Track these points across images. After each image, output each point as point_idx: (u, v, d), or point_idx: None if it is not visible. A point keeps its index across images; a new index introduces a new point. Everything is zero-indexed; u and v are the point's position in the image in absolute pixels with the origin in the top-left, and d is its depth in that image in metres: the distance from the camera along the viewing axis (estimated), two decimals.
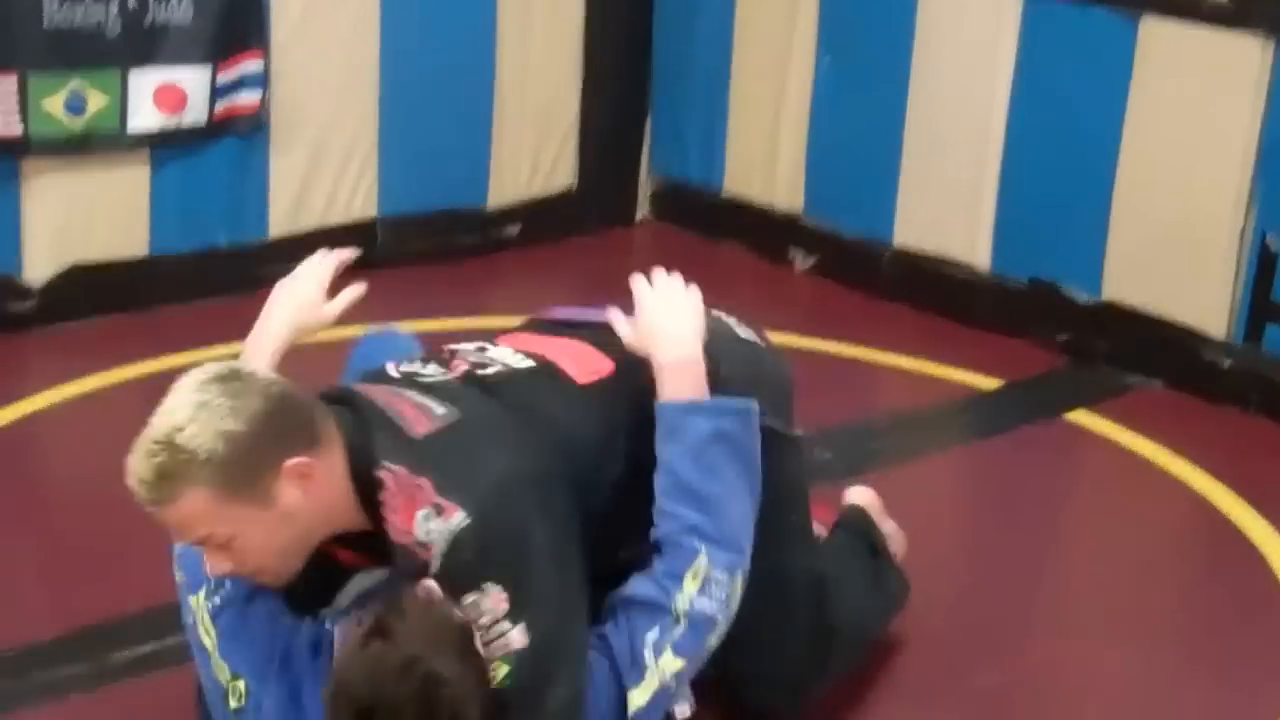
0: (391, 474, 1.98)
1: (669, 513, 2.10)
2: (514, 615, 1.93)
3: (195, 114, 4.11)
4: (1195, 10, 3.80)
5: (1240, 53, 3.75)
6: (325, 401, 2.07)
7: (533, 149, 4.81)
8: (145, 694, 2.55)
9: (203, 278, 4.23)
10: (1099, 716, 2.68)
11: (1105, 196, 4.06)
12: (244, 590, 2.11)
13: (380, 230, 4.55)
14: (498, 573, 1.94)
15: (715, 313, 2.40)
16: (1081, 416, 3.83)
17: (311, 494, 1.96)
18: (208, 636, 2.13)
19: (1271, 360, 3.82)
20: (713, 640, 2.09)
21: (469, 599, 1.94)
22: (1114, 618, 2.98)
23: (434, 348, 2.34)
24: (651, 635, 2.03)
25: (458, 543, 1.94)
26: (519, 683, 1.93)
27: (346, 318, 2.39)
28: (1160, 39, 3.90)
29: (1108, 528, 3.36)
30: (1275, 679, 2.80)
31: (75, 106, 3.93)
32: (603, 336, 2.25)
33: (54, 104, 3.89)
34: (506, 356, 2.21)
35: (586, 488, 2.08)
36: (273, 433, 1.93)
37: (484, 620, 1.93)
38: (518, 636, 1.93)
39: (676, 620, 2.04)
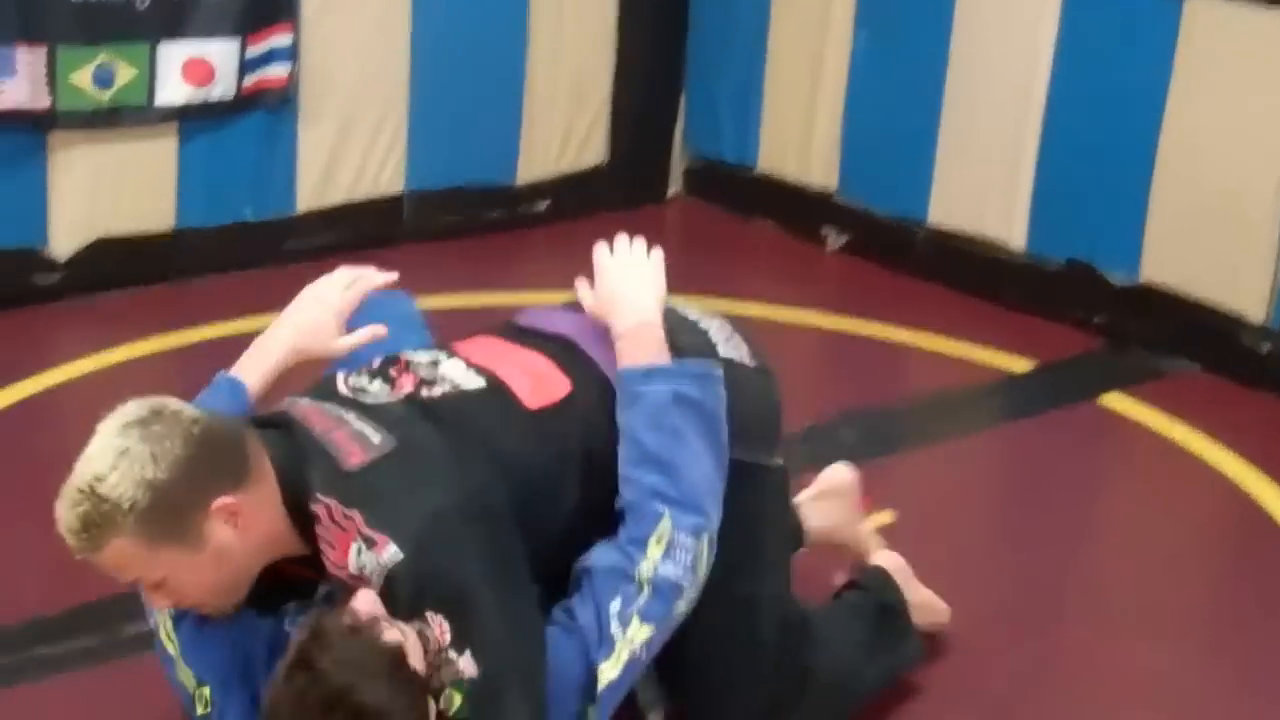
0: (325, 506, 1.96)
1: (631, 479, 2.06)
2: (458, 645, 1.90)
3: (223, 87, 4.10)
4: None
5: None
6: (262, 426, 2.04)
7: (564, 124, 4.77)
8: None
9: (229, 251, 4.23)
10: (1122, 706, 2.64)
11: (1145, 177, 3.99)
12: None
13: (407, 205, 4.53)
14: (436, 606, 1.90)
15: (704, 324, 2.33)
16: (1115, 400, 3.76)
17: (244, 531, 1.94)
18: (170, 644, 2.13)
19: None
20: (681, 606, 2.04)
21: (414, 626, 1.90)
22: (1142, 606, 2.93)
23: (386, 362, 2.20)
24: (615, 605, 1.99)
25: (393, 577, 1.91)
26: (475, 711, 1.90)
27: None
28: (1204, 17, 3.82)
29: (1138, 514, 3.31)
30: None
31: (103, 79, 3.93)
32: (567, 352, 2.20)
33: (82, 77, 3.88)
34: (458, 373, 2.14)
35: (538, 515, 2.04)
36: (196, 476, 1.90)
37: (430, 647, 1.90)
38: (467, 665, 1.90)
39: (641, 588, 2.00)
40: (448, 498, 1.95)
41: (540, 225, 4.72)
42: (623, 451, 2.08)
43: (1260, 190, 3.77)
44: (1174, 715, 2.62)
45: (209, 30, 4.03)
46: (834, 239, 4.70)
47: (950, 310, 4.23)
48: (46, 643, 2.63)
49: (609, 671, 1.98)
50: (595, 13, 4.75)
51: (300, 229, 4.34)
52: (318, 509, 1.95)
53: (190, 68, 4.04)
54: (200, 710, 2.10)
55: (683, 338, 2.24)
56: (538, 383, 2.14)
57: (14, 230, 3.94)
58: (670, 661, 2.18)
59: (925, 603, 2.66)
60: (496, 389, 2.12)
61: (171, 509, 1.89)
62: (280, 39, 4.16)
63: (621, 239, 2.30)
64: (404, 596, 1.90)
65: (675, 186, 5.07)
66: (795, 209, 4.76)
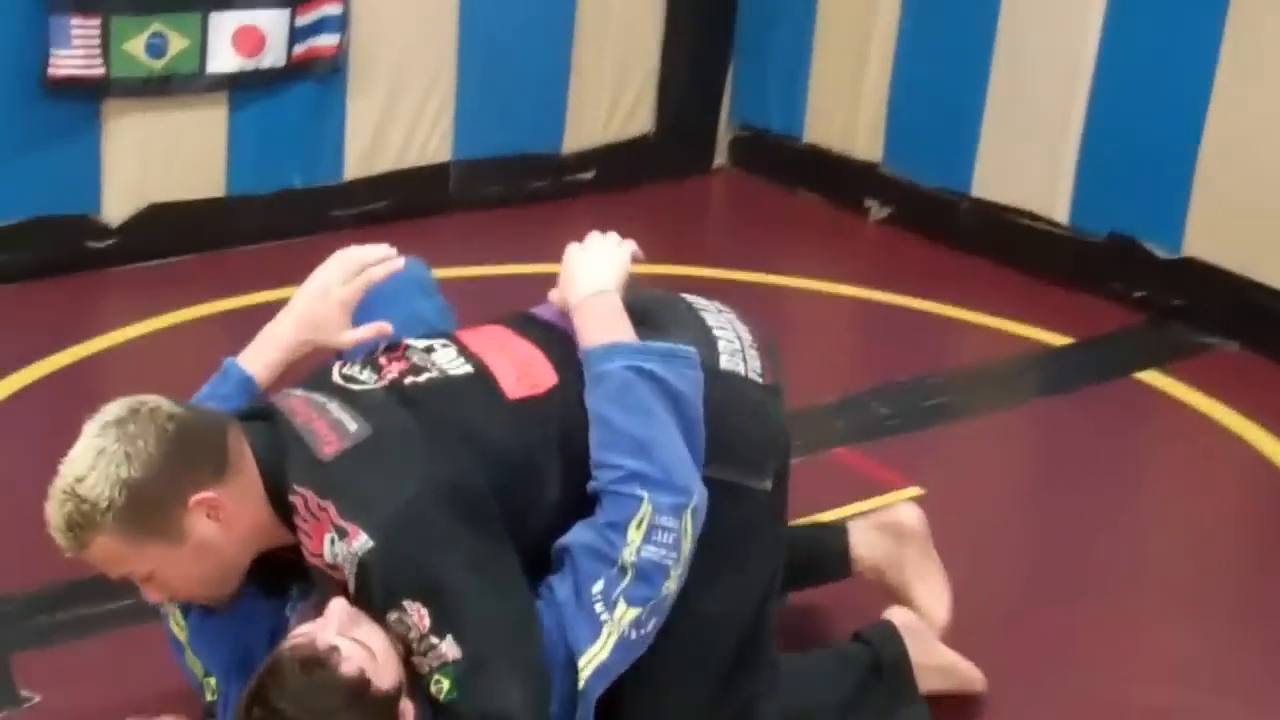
0: (301, 497, 1.97)
1: (606, 463, 2.02)
2: (438, 630, 1.91)
3: (274, 56, 4.15)
4: None
5: None
6: (247, 418, 2.06)
7: (611, 94, 4.79)
8: None
9: (278, 218, 4.29)
10: (1145, 682, 2.64)
11: (1191, 152, 3.96)
12: None
13: (453, 173, 4.57)
14: (411, 592, 1.91)
15: (718, 332, 2.24)
16: (1153, 376, 3.75)
17: (226, 524, 1.97)
18: (179, 630, 2.17)
19: None
20: (671, 584, 2.01)
21: (392, 617, 1.92)
22: (1171, 585, 2.93)
23: (385, 349, 2.20)
24: (598, 586, 1.98)
25: (364, 566, 1.92)
26: (465, 695, 1.91)
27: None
28: None
29: (1172, 492, 3.30)
30: None
31: (156, 48, 3.99)
32: (562, 345, 2.18)
33: (135, 46, 3.95)
34: (448, 360, 2.14)
35: (518, 502, 2.03)
36: (172, 472, 1.93)
37: (412, 635, 1.92)
38: (449, 648, 1.91)
39: (624, 571, 1.98)
40: (419, 485, 1.95)
41: (585, 194, 4.74)
42: (593, 434, 2.04)
43: None
44: (1197, 695, 2.61)
45: (260, 0, 4.09)
46: (876, 210, 4.70)
47: (991, 283, 4.23)
48: (86, 604, 2.69)
49: (599, 654, 1.98)
50: None
51: (348, 197, 4.39)
52: (295, 500, 1.97)
53: (241, 37, 4.10)
54: (209, 697, 2.15)
55: (679, 333, 2.19)
56: (524, 373, 2.12)
57: (68, 197, 4.02)
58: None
59: (947, 667, 2.47)
60: (481, 376, 2.11)
61: (149, 505, 1.92)
62: (330, 8, 4.21)
63: (593, 233, 2.28)
64: (377, 585, 1.92)
65: (720, 157, 5.08)
66: (839, 180, 4.76)
